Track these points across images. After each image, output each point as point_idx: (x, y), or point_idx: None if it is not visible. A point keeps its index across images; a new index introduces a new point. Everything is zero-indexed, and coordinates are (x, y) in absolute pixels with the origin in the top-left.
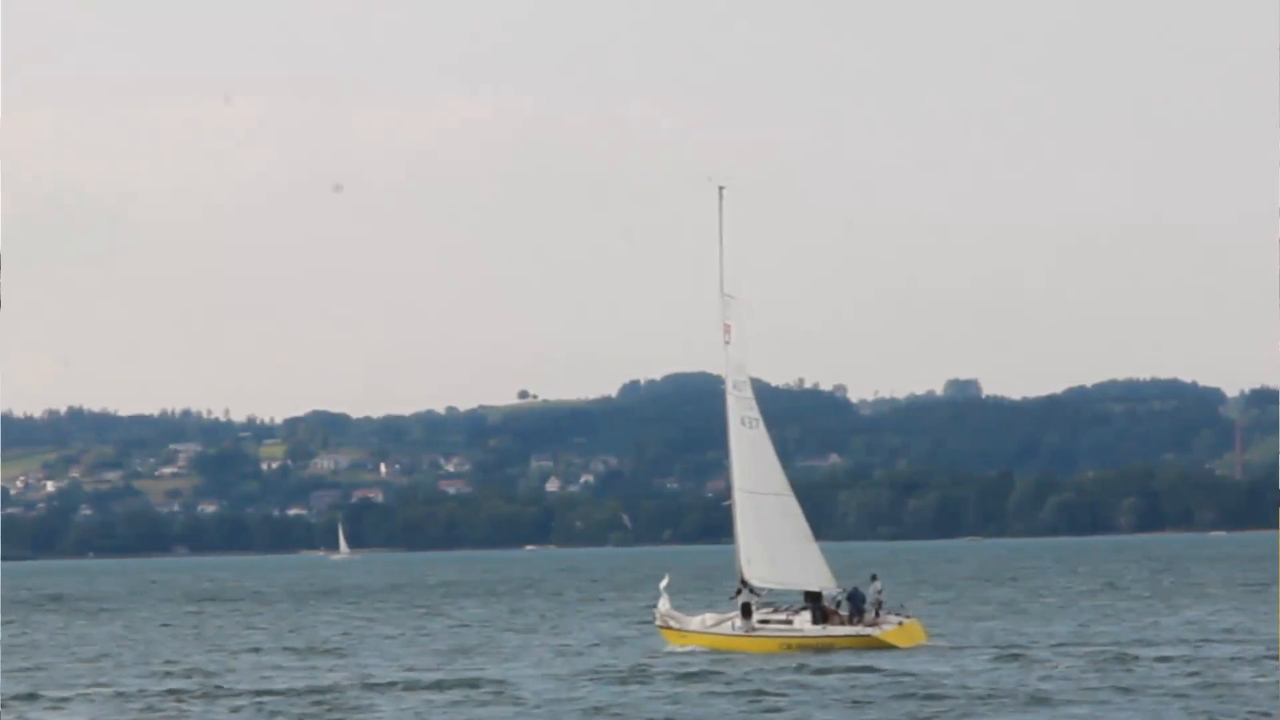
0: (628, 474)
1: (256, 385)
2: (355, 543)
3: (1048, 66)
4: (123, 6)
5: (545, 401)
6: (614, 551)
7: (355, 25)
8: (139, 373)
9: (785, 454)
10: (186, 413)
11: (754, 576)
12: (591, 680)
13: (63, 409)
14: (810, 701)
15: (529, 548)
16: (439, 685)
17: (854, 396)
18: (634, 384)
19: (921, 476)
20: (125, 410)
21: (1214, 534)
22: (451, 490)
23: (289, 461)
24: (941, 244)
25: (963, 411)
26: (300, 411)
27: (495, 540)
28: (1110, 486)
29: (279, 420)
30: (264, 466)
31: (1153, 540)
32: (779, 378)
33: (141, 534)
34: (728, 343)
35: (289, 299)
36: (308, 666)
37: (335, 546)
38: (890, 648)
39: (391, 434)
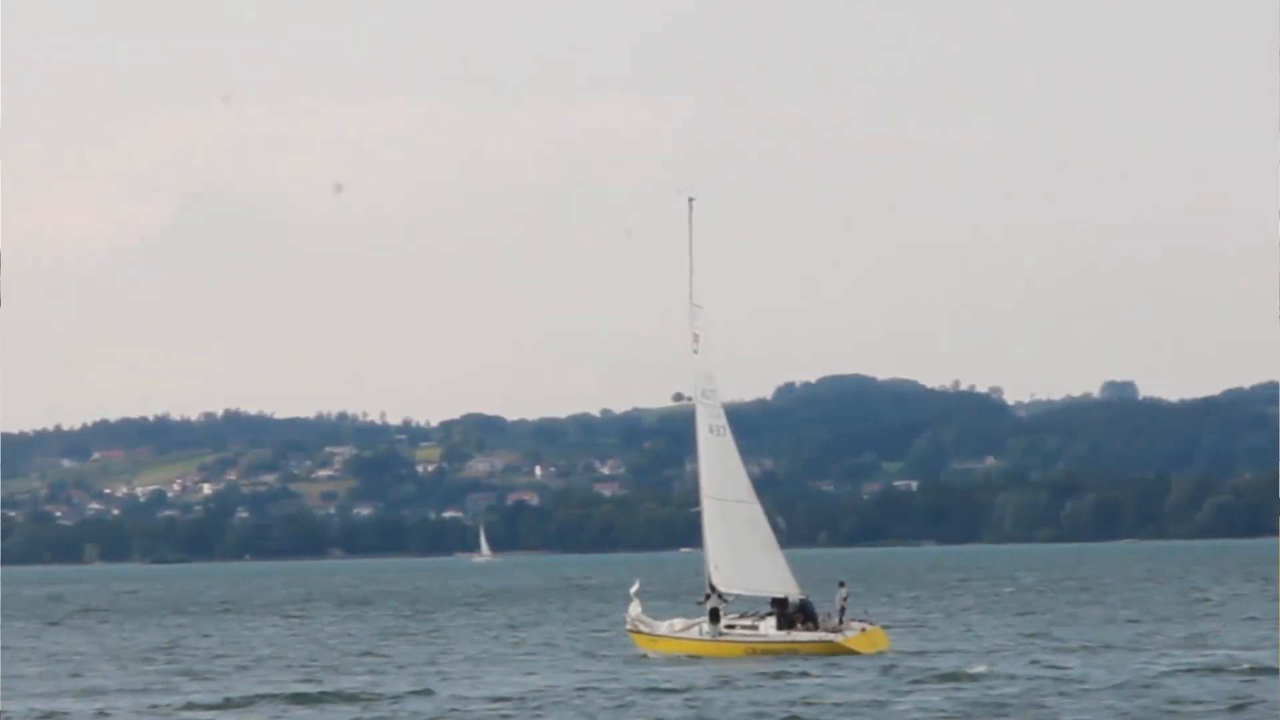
0: (782, 476)
1: (412, 388)
2: (510, 545)
3: (1193, 60)
4: (278, 8)
5: None
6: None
7: (514, 26)
8: (295, 376)
9: (941, 456)
10: (342, 415)
11: (721, 582)
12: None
13: (219, 412)
14: None
15: (684, 550)
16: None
17: (1010, 398)
18: (789, 386)
19: (1078, 479)
20: (281, 413)
21: None
22: (606, 493)
23: (444, 464)
24: (1099, 245)
25: (1119, 413)
26: (455, 414)
27: (650, 543)
28: (1269, 489)
29: (434, 423)
30: (419, 469)
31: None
32: (934, 380)
33: (298, 537)
34: (695, 352)
35: (445, 302)
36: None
37: (470, 548)
38: (853, 653)
39: (546, 436)
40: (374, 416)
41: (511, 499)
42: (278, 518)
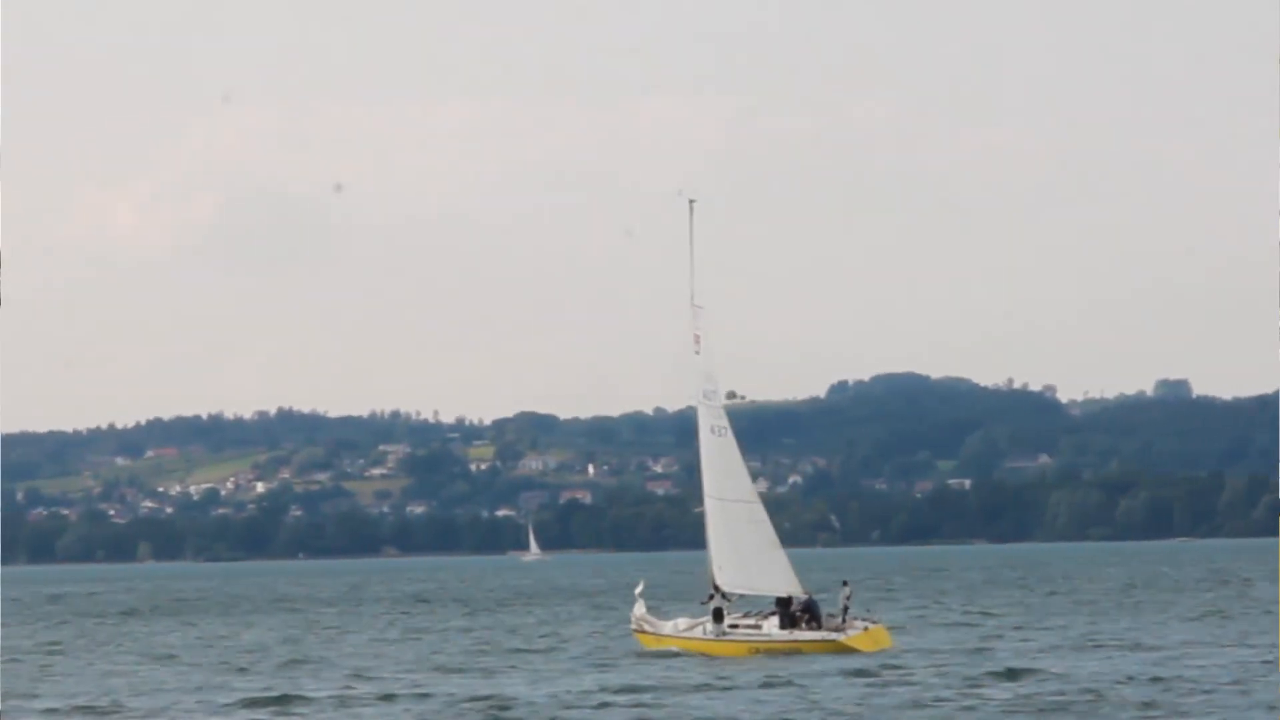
0: (836, 475)
1: (465, 386)
2: (564, 544)
3: (1248, 56)
4: (321, 9)
5: (753, 402)
6: (821, 553)
7: (568, 27)
8: (349, 374)
9: (994, 455)
10: (395, 414)
11: (725, 582)
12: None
13: (273, 410)
14: None
15: None
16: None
17: (1063, 397)
18: (842, 384)
19: (1132, 477)
20: (335, 411)
21: None
22: (660, 491)
23: (498, 462)
24: (1153, 244)
25: (1173, 411)
26: (509, 413)
27: (703, 541)
28: None
29: (488, 421)
30: (473, 467)
31: None
32: (988, 378)
33: (351, 535)
34: (697, 353)
35: (497, 300)
36: None
37: (521, 546)
38: (855, 652)
39: (600, 435)
40: (427, 415)
41: (564, 497)
42: (331, 516)
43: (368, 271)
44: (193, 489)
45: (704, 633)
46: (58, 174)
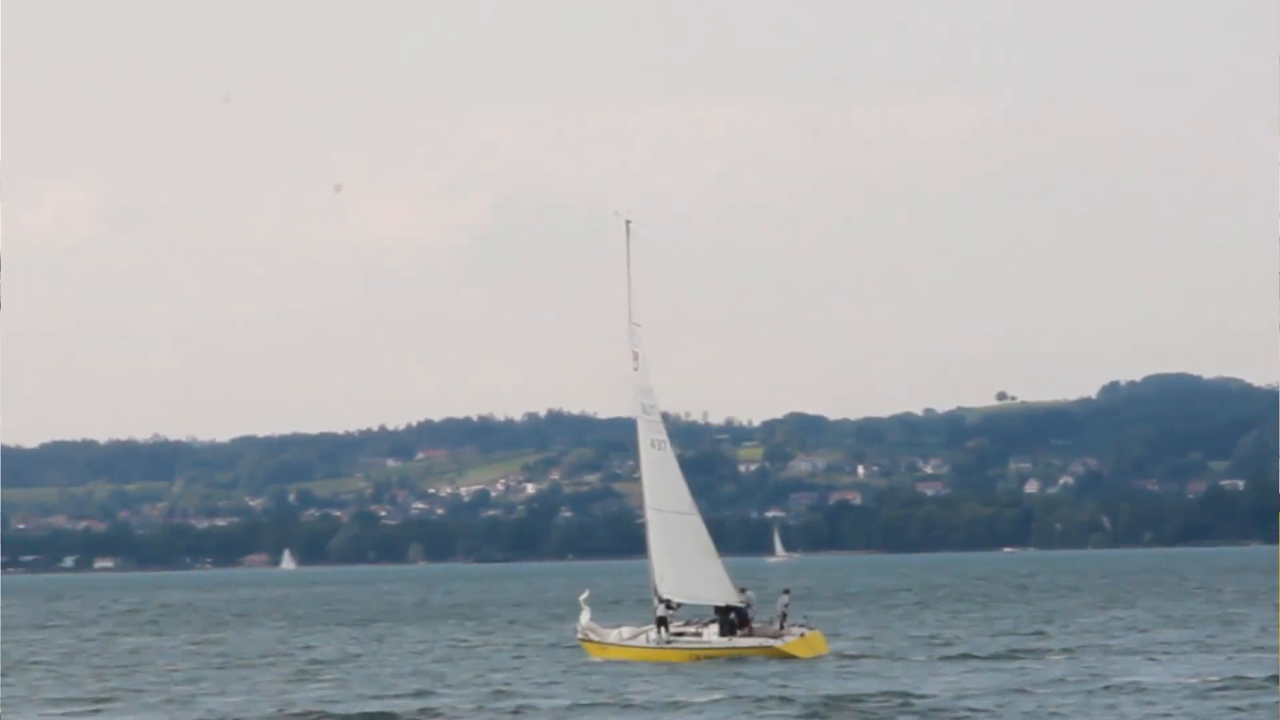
0: (1108, 475)
1: (735, 387)
2: (834, 545)
3: None
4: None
5: (1024, 403)
6: (1093, 554)
7: (836, 24)
8: (618, 375)
9: (1268, 455)
10: (665, 415)
11: (666, 591)
12: None
13: (542, 412)
14: None
15: (1008, 550)
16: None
17: None
18: (1114, 384)
19: None
20: (604, 413)
21: None
22: (929, 492)
23: (766, 464)
24: None
25: None
26: (778, 414)
27: (973, 542)
28: None
29: (756, 422)
30: (741, 469)
31: None
32: (1261, 378)
33: (620, 536)
34: (635, 369)
35: (768, 300)
36: None
37: (791, 548)
38: (792, 658)
39: (869, 435)
40: (696, 416)
41: (834, 498)
42: (600, 517)
43: (637, 272)
44: (463, 490)
45: (647, 641)
46: (328, 177)
